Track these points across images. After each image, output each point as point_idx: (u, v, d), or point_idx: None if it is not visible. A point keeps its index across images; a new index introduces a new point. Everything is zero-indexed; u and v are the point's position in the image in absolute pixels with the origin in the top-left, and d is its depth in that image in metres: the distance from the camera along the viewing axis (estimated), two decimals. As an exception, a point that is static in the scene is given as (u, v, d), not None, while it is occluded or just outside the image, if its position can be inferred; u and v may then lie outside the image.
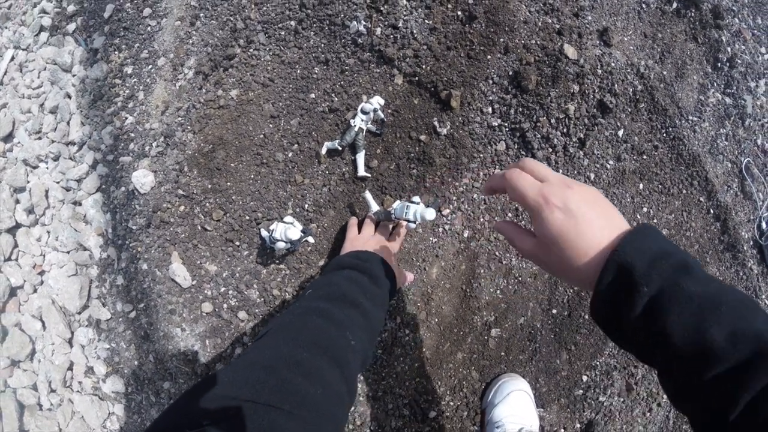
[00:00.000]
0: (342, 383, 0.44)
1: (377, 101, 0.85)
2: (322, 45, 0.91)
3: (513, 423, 0.87)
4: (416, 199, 0.76)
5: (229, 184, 0.96)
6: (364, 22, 0.89)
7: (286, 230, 0.81)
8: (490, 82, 0.89)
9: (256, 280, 0.92)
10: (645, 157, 1.00)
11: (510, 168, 0.42)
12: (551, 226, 0.35)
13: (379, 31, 0.88)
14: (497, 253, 0.90)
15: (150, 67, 1.15)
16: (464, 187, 0.89)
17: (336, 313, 0.51)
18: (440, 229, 0.88)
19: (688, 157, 1.03)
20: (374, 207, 0.80)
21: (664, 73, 1.03)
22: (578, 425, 0.98)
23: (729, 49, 1.13)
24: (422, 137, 0.88)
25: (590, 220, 0.34)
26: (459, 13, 0.89)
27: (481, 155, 0.89)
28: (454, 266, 0.88)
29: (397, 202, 0.77)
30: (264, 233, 0.88)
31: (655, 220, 1.01)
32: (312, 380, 0.41)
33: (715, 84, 1.12)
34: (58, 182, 1.38)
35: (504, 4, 0.88)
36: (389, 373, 0.86)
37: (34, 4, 1.61)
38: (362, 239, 0.75)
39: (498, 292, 0.90)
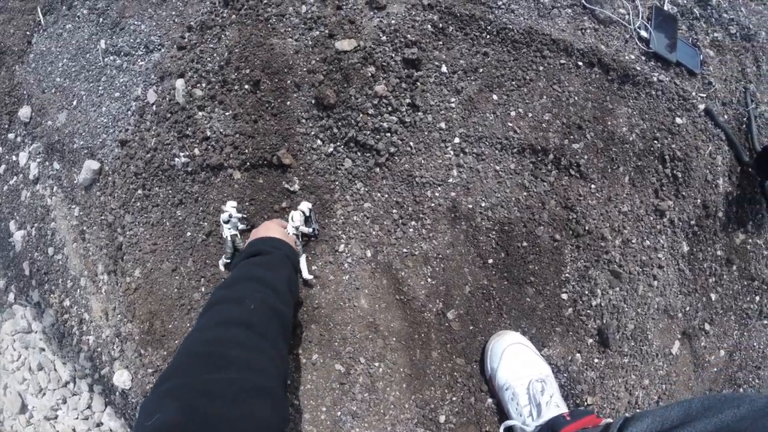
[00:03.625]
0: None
1: (230, 206, 1.04)
2: (169, 191, 1.13)
3: (519, 379, 0.97)
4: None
5: (176, 341, 1.16)
6: (182, 154, 1.10)
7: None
8: (303, 121, 1.07)
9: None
10: (481, 69, 1.11)
11: None
12: None
13: (196, 151, 1.10)
14: (404, 250, 1.04)
15: (78, 290, 1.41)
16: (341, 218, 1.05)
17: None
18: (346, 265, 1.04)
19: (523, 37, 1.11)
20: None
21: None
22: (590, 340, 1.06)
23: None
24: (283, 204, 1.06)
25: None
26: (246, 87, 1.09)
27: (337, 182, 1.06)
28: (377, 286, 1.03)
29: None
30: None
31: (530, 115, 1.10)
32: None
33: None
34: (77, 418, 1.64)
35: (272, 53, 1.08)
36: (386, 406, 0.99)
37: (-24, 296, 1.97)
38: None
39: (429, 280, 1.03)
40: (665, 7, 1.22)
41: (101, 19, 1.40)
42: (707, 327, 1.21)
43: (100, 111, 1.28)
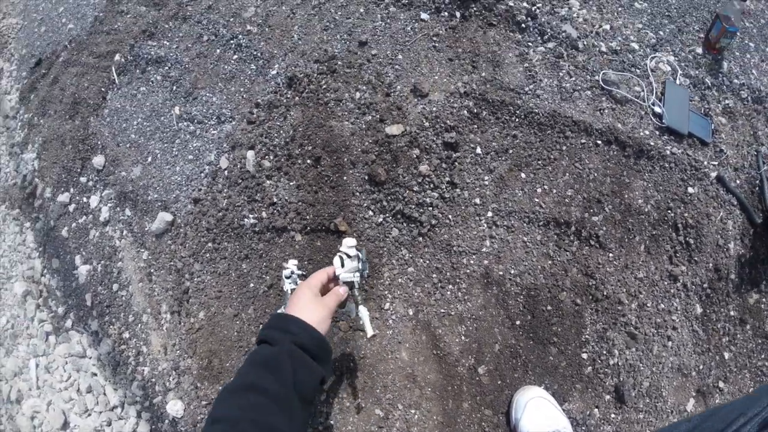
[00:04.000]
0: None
1: (291, 264, 1.20)
2: (237, 247, 1.30)
3: (540, 430, 1.09)
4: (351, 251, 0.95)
5: (231, 378, 1.31)
6: (251, 215, 1.28)
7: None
8: (357, 194, 1.24)
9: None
10: (511, 150, 1.29)
11: None
12: None
13: (264, 214, 1.27)
14: (443, 310, 1.19)
15: (139, 325, 1.57)
16: (388, 279, 1.21)
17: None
18: (390, 321, 1.19)
19: (548, 120, 1.29)
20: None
21: (483, 74, 1.35)
22: (607, 396, 1.18)
23: (524, 4, 1.42)
24: (338, 264, 1.23)
25: None
26: (308, 161, 1.27)
27: (385, 248, 1.22)
28: (417, 342, 1.17)
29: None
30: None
31: (554, 191, 1.26)
32: None
33: (530, 43, 1.42)
34: (120, 442, 1.77)
35: (331, 134, 1.27)
36: (423, 452, 1.12)
37: (31, 318, 2.15)
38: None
39: (463, 337, 1.17)
40: (677, 81, 1.36)
41: (174, 87, 1.62)
42: (721, 385, 1.29)
43: (174, 170, 1.48)
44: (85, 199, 1.84)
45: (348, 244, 0.94)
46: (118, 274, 1.65)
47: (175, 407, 1.43)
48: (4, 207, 2.38)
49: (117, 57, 1.88)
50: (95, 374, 1.87)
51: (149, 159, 1.57)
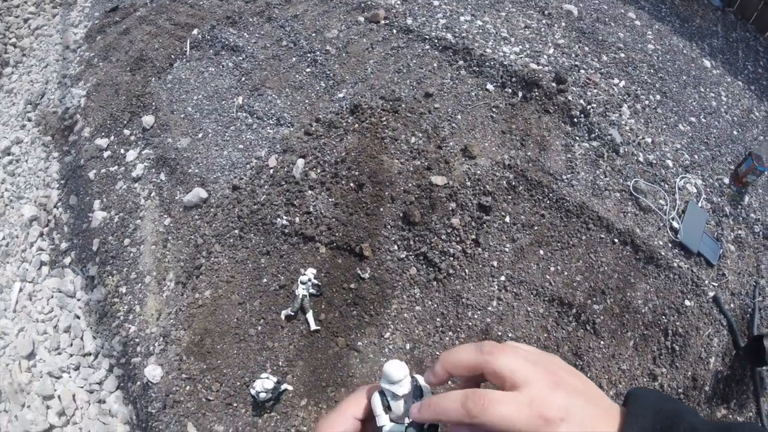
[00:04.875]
0: None
1: (310, 272, 1.26)
2: (262, 241, 1.35)
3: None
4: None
5: (219, 361, 1.33)
6: (285, 217, 1.34)
7: (263, 382, 1.17)
8: (388, 227, 1.31)
9: (255, 429, 1.25)
10: (536, 227, 1.38)
11: (484, 343, 0.35)
12: None
13: (297, 219, 1.33)
14: (437, 352, 1.24)
15: (139, 284, 1.59)
16: (395, 311, 1.26)
17: None
18: (386, 350, 1.24)
19: (576, 209, 1.39)
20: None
21: (529, 153, 1.46)
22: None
23: (581, 101, 1.54)
24: (352, 285, 1.28)
25: (591, 418, 0.33)
26: (351, 185, 1.35)
27: (400, 283, 1.28)
28: (405, 377, 1.22)
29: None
30: (252, 392, 1.23)
31: (565, 273, 1.35)
32: None
33: (577, 137, 1.53)
34: (82, 387, 1.75)
35: (380, 166, 1.34)
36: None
37: (30, 243, 2.13)
38: None
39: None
40: (699, 204, 1.48)
41: (243, 78, 1.70)
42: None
43: (221, 153, 1.54)
44: (122, 151, 1.88)
45: (395, 374, 0.42)
46: (134, 230, 1.68)
47: (153, 372, 1.44)
48: (36, 130, 2.40)
49: (195, 31, 1.96)
50: (78, 317, 1.85)
51: (200, 135, 1.64)
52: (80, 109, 2.18)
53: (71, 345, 1.88)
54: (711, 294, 1.37)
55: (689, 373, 1.32)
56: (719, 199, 1.53)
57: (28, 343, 1.87)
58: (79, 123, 2.16)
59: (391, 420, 0.41)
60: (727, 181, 1.58)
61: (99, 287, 1.79)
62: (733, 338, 1.36)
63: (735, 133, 1.77)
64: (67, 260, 1.96)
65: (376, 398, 0.42)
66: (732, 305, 1.40)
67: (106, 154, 1.93)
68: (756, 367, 1.30)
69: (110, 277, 1.72)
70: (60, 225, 2.02)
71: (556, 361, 0.36)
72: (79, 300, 1.90)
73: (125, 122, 1.93)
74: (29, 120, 2.53)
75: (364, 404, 0.40)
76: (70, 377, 1.80)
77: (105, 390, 1.71)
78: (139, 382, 1.53)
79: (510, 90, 1.55)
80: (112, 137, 1.94)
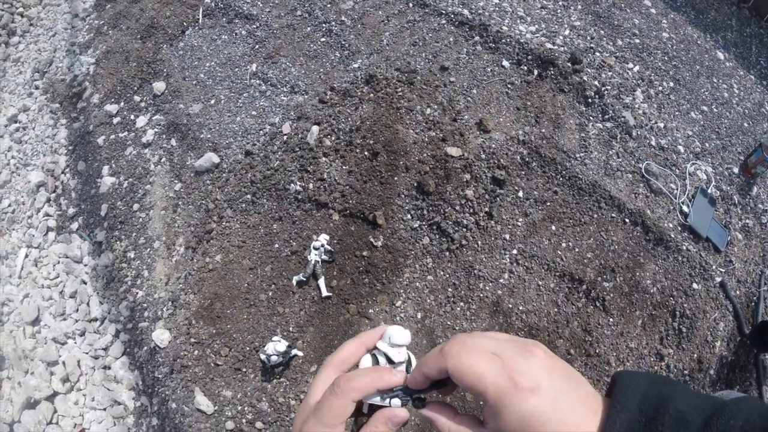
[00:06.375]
0: None
1: (323, 238, 1.22)
2: (274, 207, 1.31)
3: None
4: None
5: (229, 326, 1.29)
6: (299, 183, 1.29)
7: (275, 345, 1.13)
8: (402, 196, 1.27)
9: (264, 395, 1.22)
10: (549, 203, 1.34)
11: (448, 344, 0.33)
12: (524, 415, 0.30)
13: (311, 185, 1.29)
14: (449, 323, 1.21)
15: (148, 249, 1.55)
16: (407, 280, 1.23)
17: None
18: (397, 318, 1.20)
19: (588, 187, 1.36)
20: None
21: (543, 130, 1.42)
22: None
23: (595, 82, 1.50)
24: (365, 253, 1.24)
25: (567, 399, 0.31)
26: (366, 153, 1.30)
27: (413, 252, 1.24)
28: (417, 344, 1.19)
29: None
30: (262, 356, 1.19)
31: (576, 249, 1.32)
32: None
33: (591, 117, 1.49)
34: (87, 353, 1.71)
35: (395, 135, 1.30)
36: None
37: (37, 209, 2.08)
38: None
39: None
40: (709, 190, 1.45)
41: (257, 46, 1.64)
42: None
43: (234, 119, 1.48)
44: (132, 117, 1.82)
45: (399, 339, 0.41)
46: (144, 195, 1.63)
47: (161, 336, 1.40)
48: (44, 98, 2.32)
49: (208, 0, 1.89)
50: (85, 282, 1.81)
51: (212, 101, 1.58)
52: (89, 76, 2.11)
53: (77, 311, 1.84)
54: (718, 279, 1.36)
55: (695, 355, 1.30)
56: (728, 188, 1.51)
57: (33, 309, 1.82)
58: (88, 90, 2.09)
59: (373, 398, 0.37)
60: (736, 170, 1.55)
61: (106, 252, 1.74)
62: (738, 324, 1.34)
63: (746, 125, 1.74)
64: (75, 226, 1.90)
65: (367, 359, 0.40)
66: (738, 292, 1.38)
67: (115, 120, 1.86)
68: (760, 354, 1.28)
69: (118, 242, 1.67)
70: (68, 191, 1.96)
71: (536, 342, 0.34)
72: (85, 265, 1.85)
73: (135, 89, 1.87)
74: (37, 88, 2.45)
75: (349, 409, 0.36)
76: (75, 343, 1.76)
77: (110, 356, 1.67)
78: (146, 347, 1.49)
79: (525, 68, 1.50)
80: (122, 103, 1.88)
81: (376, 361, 0.39)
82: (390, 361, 0.39)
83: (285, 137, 1.35)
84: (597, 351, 1.21)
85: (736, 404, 0.32)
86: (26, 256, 2.00)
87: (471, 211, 1.24)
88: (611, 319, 1.23)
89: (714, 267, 1.32)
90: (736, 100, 1.81)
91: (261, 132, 1.40)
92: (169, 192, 1.56)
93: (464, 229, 1.24)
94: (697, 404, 0.32)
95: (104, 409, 1.61)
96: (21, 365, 1.70)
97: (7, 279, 1.95)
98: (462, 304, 1.21)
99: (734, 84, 1.88)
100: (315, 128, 1.32)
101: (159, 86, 1.78)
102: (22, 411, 1.54)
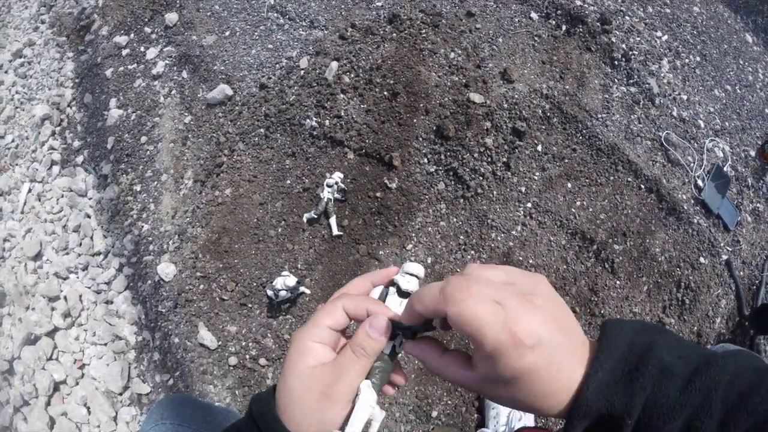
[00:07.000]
0: None
1: (337, 176, 1.18)
2: (288, 142, 1.26)
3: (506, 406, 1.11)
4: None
5: (236, 261, 1.27)
6: (315, 119, 1.24)
7: (285, 280, 1.11)
8: (420, 139, 1.22)
9: (269, 331, 1.21)
10: (567, 160, 1.30)
11: (450, 287, 0.30)
12: (518, 371, 0.29)
13: (327, 122, 1.24)
14: (457, 270, 1.19)
15: (155, 183, 1.50)
16: (419, 224, 1.20)
17: None
18: (407, 261, 1.18)
19: (607, 149, 1.32)
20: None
21: (567, 87, 1.36)
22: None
23: (623, 45, 1.44)
24: (378, 194, 1.21)
25: (561, 354, 0.30)
26: (385, 93, 1.25)
27: (427, 196, 1.21)
28: (423, 288, 1.17)
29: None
30: (269, 292, 1.17)
31: (590, 209, 1.29)
32: None
33: (616, 80, 1.44)
34: (89, 287, 1.69)
35: (417, 77, 1.24)
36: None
37: (41, 142, 2.02)
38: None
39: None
40: (725, 169, 1.42)
41: (277, -22, 1.54)
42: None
43: (249, 52, 1.41)
44: (142, 49, 1.74)
45: (410, 267, 0.40)
46: (152, 128, 1.57)
47: (166, 270, 1.38)
48: (50, 32, 2.22)
49: (225, -70, 1.77)
50: (89, 216, 1.77)
51: (227, 33, 1.50)
52: (98, 8, 2.01)
53: (80, 245, 1.80)
54: (724, 257, 1.34)
55: (695, 328, 1.29)
56: (743, 170, 1.47)
57: (35, 244, 1.78)
58: (96, 22, 1.99)
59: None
60: (753, 154, 1.51)
61: (112, 186, 1.69)
62: (739, 305, 1.34)
63: (767, 110, 1.68)
64: (80, 159, 1.85)
65: (377, 291, 0.40)
66: (741, 273, 1.37)
67: (124, 52, 1.78)
68: (756, 336, 1.28)
69: (124, 175, 1.62)
70: (73, 124, 1.90)
71: (539, 283, 0.33)
72: (90, 199, 1.81)
73: (146, 20, 1.78)
74: (43, 22, 2.33)
75: (339, 316, 0.37)
76: (78, 278, 1.73)
77: (113, 290, 1.65)
78: (150, 281, 1.47)
79: (554, 22, 1.43)
80: (132, 35, 1.79)
81: (386, 294, 0.39)
82: (401, 292, 0.38)
83: (302, 72, 1.29)
84: (601, 312, 1.20)
85: (727, 357, 0.30)
86: (29, 190, 1.95)
87: (489, 160, 1.20)
88: (618, 282, 1.22)
89: (722, 244, 1.31)
90: (760, 85, 1.76)
91: (277, 66, 1.33)
92: (179, 124, 1.50)
93: (481, 178, 1.20)
94: (683, 354, 0.30)
95: (105, 344, 1.60)
96: (22, 301, 1.67)
97: (9, 214, 1.90)
98: (473, 252, 1.19)
99: (760, 69, 1.81)
100: (334, 64, 1.25)
101: (171, 17, 1.70)
102: (22, 347, 1.53)
